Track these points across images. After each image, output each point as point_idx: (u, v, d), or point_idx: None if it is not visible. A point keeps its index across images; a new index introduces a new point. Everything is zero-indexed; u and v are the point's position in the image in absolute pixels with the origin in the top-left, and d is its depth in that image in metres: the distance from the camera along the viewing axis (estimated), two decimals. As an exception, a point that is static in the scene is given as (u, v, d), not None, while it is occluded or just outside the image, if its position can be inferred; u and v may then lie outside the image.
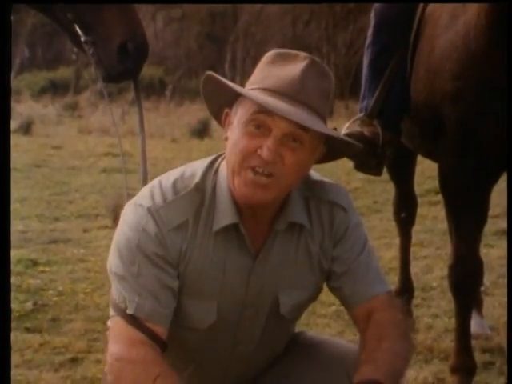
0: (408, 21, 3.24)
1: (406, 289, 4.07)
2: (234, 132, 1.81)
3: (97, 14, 2.63)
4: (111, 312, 1.87)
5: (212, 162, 1.92)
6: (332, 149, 1.90)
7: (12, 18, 2.63)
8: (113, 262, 1.87)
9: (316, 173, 2.00)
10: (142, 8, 21.73)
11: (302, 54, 1.83)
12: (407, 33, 3.24)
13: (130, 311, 1.82)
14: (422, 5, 3.25)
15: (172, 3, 19.70)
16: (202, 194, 1.86)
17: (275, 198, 1.83)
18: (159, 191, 1.86)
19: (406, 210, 4.13)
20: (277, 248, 1.91)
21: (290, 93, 1.77)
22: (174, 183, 1.87)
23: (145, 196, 1.87)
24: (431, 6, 3.21)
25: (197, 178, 1.88)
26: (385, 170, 3.63)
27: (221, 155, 1.92)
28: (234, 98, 1.83)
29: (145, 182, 2.50)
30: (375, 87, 3.34)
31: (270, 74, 1.80)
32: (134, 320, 1.82)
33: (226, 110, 1.85)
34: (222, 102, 1.86)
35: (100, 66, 2.67)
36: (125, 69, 2.64)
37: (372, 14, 3.46)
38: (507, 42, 2.73)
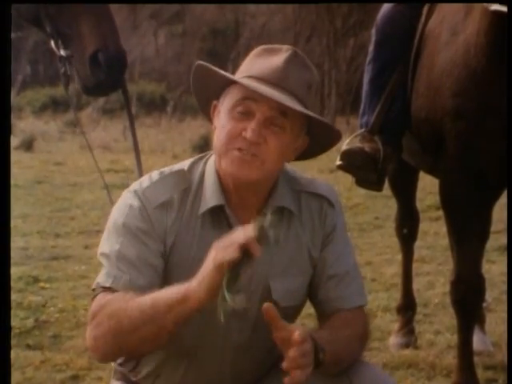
0: (409, 37, 3.25)
1: (409, 305, 4.05)
2: (220, 119, 1.93)
3: (74, 25, 2.61)
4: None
5: (201, 156, 2.05)
6: (315, 141, 2.00)
7: (14, 35, 2.63)
8: (101, 243, 1.96)
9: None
10: (144, 24, 21.82)
11: (286, 46, 1.96)
12: (408, 49, 3.25)
13: (107, 284, 1.88)
14: (423, 21, 3.25)
15: (171, 3, 19.76)
16: (188, 180, 1.98)
17: (259, 179, 1.92)
18: (147, 177, 2.00)
19: (408, 225, 4.12)
20: None
21: (274, 80, 1.90)
22: (162, 170, 2.01)
23: (134, 184, 2.00)
24: (432, 23, 3.21)
25: (184, 167, 2.01)
26: (386, 185, 3.63)
27: (210, 152, 2.03)
28: (222, 89, 1.95)
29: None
30: (376, 103, 3.34)
31: (255, 65, 1.94)
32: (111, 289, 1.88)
33: (215, 102, 1.97)
34: (210, 94, 1.98)
35: (77, 78, 2.66)
36: (99, 81, 2.61)
37: (373, 31, 3.47)
38: (507, 48, 2.73)
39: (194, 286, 1.75)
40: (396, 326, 3.99)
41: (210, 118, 2.01)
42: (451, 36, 3.03)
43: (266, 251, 1.93)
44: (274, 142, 1.89)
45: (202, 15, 21.19)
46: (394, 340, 3.90)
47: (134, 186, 1.98)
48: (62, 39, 2.65)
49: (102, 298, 1.87)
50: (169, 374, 2.01)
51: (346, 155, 3.30)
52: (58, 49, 2.68)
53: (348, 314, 2.00)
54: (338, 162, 3.34)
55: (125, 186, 2.83)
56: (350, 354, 1.94)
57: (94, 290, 1.92)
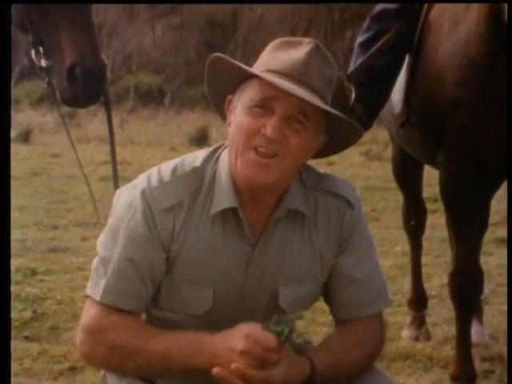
0: (406, 13, 3.22)
1: (419, 298, 4.04)
2: (237, 115, 1.83)
3: (55, 35, 2.60)
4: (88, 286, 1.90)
5: (214, 150, 1.93)
6: (334, 140, 1.91)
7: (12, 26, 2.62)
8: (100, 241, 1.90)
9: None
10: (142, 16, 21.75)
11: (307, 39, 1.86)
12: (403, 21, 3.21)
13: (97, 297, 1.84)
14: (425, 10, 3.23)
15: (171, 3, 19.70)
16: (200, 179, 1.87)
17: (276, 181, 1.82)
18: (157, 174, 1.88)
19: (415, 218, 4.11)
20: (278, 237, 1.90)
21: (295, 74, 1.80)
22: (174, 167, 1.89)
23: (141, 178, 1.89)
24: (434, 13, 3.19)
25: (197, 163, 1.89)
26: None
27: (223, 145, 1.93)
28: (237, 84, 1.85)
29: (116, 187, 2.52)
30: (361, 60, 3.27)
31: (275, 58, 1.83)
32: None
33: (230, 97, 1.87)
34: (225, 88, 1.88)
35: (56, 89, 2.67)
36: (75, 94, 2.60)
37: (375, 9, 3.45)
38: (507, 44, 2.73)
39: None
40: (407, 319, 3.99)
41: (222, 114, 1.92)
42: (452, 26, 3.03)
43: (276, 255, 1.89)
44: (295, 139, 1.79)
45: (200, 6, 21.13)
46: (406, 333, 3.90)
47: (142, 182, 1.87)
48: (44, 48, 2.64)
49: (98, 313, 1.84)
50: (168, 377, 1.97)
51: None
52: (39, 59, 2.67)
53: (363, 327, 1.94)
54: None
55: (121, 177, 2.83)
56: (354, 370, 1.90)
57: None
